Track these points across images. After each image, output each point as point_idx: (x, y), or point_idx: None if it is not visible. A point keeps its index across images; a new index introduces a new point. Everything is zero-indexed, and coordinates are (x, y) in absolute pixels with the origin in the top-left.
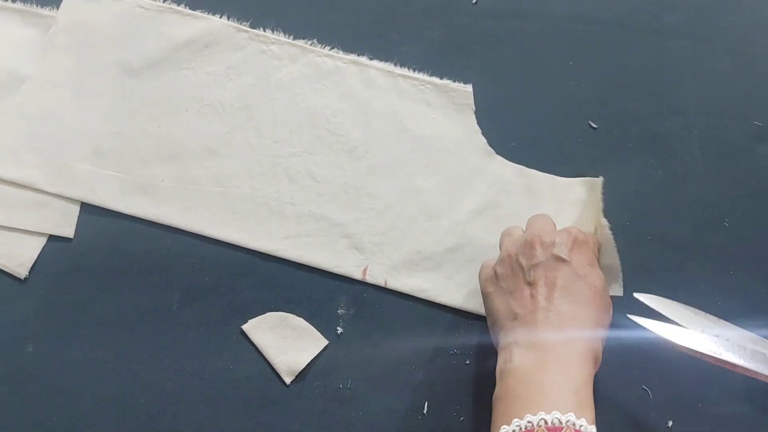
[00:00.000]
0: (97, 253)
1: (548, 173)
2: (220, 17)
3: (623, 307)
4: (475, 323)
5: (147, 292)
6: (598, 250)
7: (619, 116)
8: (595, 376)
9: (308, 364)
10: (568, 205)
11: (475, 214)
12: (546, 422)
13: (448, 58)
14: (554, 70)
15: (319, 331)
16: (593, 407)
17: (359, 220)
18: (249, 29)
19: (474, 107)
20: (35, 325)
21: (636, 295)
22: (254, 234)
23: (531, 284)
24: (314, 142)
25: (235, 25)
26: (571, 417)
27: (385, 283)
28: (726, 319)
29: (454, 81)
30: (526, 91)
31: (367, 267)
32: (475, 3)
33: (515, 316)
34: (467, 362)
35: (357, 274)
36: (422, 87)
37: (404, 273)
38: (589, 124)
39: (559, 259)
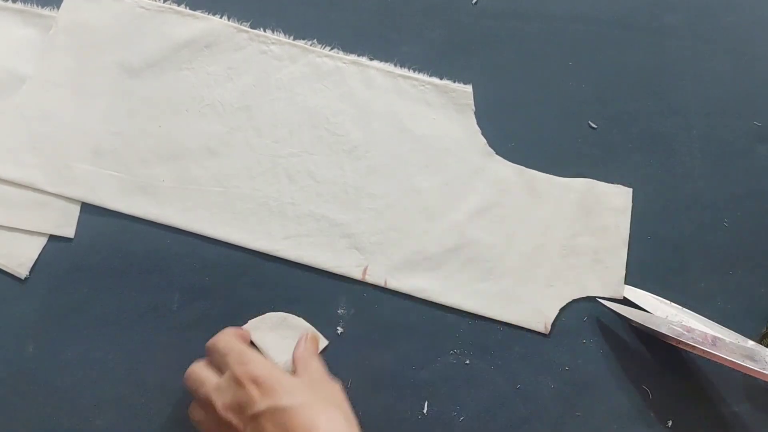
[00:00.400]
0: (97, 253)
1: (548, 173)
2: (221, 17)
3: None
4: (475, 323)
5: (147, 292)
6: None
7: (619, 116)
8: (595, 376)
9: None
10: (567, 205)
11: (474, 214)
12: None
13: (448, 58)
14: (554, 70)
15: (319, 331)
16: None
17: (359, 220)
18: (249, 29)
19: (474, 107)
20: (35, 325)
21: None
22: (254, 234)
23: None
24: (314, 142)
25: (236, 25)
26: None
27: (385, 283)
28: (726, 319)
29: (454, 81)
30: (526, 91)
31: (367, 267)
32: (475, 3)
33: None
34: (467, 362)
35: (357, 274)
36: (422, 87)
37: (404, 273)
38: (589, 124)
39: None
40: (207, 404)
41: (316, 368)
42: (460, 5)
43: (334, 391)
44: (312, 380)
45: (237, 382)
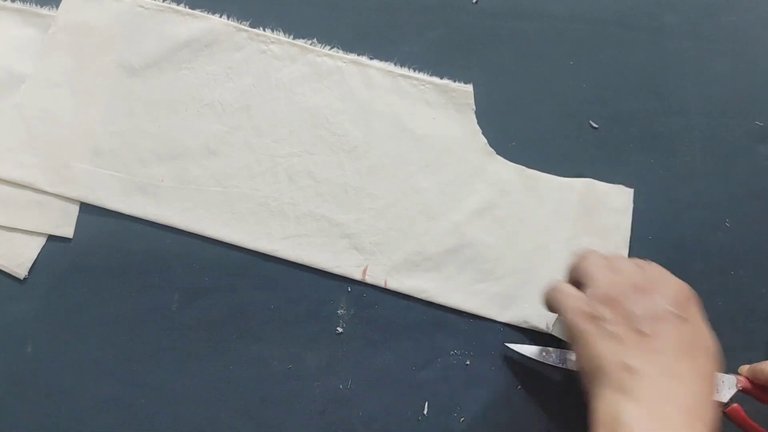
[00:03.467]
0: (97, 253)
1: (549, 173)
2: (220, 17)
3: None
4: (476, 323)
5: (147, 292)
6: None
7: (619, 116)
8: None
9: (308, 363)
10: (568, 205)
11: (475, 214)
12: None
13: (448, 57)
14: (554, 70)
15: (319, 331)
16: None
17: (359, 220)
18: (249, 29)
19: (474, 107)
20: (35, 325)
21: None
22: (254, 234)
23: (649, 337)
24: (314, 142)
25: (235, 24)
26: None
27: (385, 283)
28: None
29: (455, 81)
30: (526, 91)
31: (366, 267)
32: (475, 3)
33: (630, 369)
34: (467, 362)
35: (357, 275)
36: (422, 87)
37: (404, 273)
38: (590, 124)
39: (679, 317)
40: (611, 299)
41: None
42: (460, 5)
43: None
44: None
45: (641, 289)
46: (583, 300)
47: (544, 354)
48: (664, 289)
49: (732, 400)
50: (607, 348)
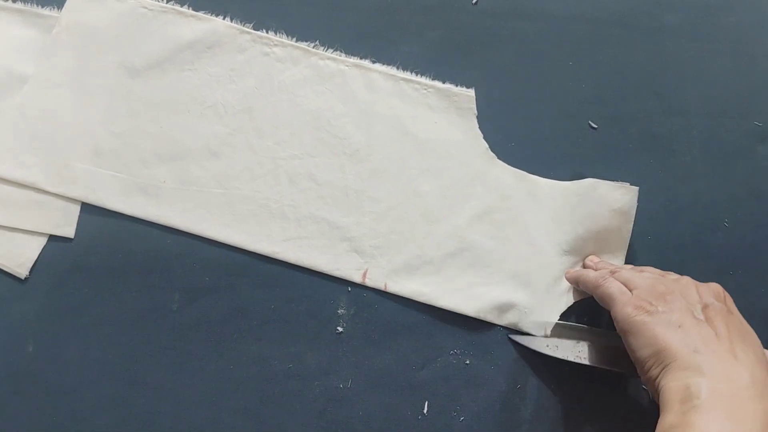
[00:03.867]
0: (98, 253)
1: (548, 173)
2: (223, 19)
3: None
4: (475, 323)
5: (147, 293)
6: None
7: (619, 116)
8: (595, 376)
9: (308, 363)
10: (568, 209)
11: (475, 218)
12: None
13: (448, 58)
14: (554, 70)
15: (319, 331)
16: None
17: (360, 223)
18: (252, 31)
19: (476, 111)
20: (35, 325)
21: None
22: (254, 236)
23: (705, 322)
24: (316, 145)
25: (239, 27)
26: None
27: (385, 286)
28: None
29: (454, 81)
30: (526, 91)
31: (367, 270)
32: (475, 3)
33: (696, 350)
34: (467, 362)
35: (357, 278)
36: (424, 91)
37: (404, 277)
38: (589, 124)
39: (725, 308)
40: (662, 293)
41: None
42: (460, 5)
43: None
44: None
45: (687, 286)
46: (629, 295)
47: (547, 346)
48: (704, 287)
49: None
50: (669, 334)
